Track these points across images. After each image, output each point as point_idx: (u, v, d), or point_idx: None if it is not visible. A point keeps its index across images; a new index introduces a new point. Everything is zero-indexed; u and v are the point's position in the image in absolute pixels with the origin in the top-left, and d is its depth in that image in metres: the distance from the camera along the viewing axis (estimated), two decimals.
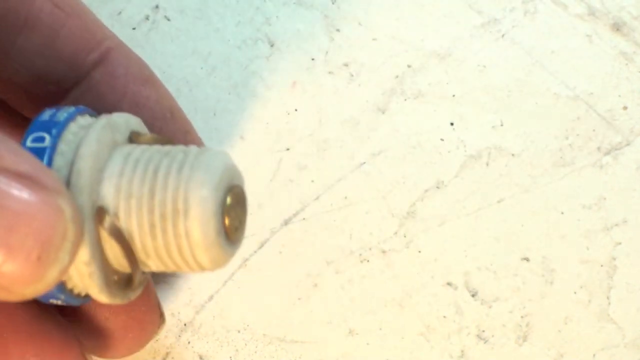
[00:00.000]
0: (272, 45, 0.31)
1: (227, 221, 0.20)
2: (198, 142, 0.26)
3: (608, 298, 0.28)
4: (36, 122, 0.21)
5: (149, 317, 0.25)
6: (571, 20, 0.30)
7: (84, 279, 0.20)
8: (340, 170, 0.29)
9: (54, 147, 0.20)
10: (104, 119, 0.21)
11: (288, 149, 0.29)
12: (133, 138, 0.22)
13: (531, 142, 0.29)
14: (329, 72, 0.30)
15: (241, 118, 0.29)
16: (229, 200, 0.20)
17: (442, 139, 0.30)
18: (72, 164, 0.20)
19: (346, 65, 0.31)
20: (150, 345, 0.28)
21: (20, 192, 0.18)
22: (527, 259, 0.28)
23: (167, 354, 0.28)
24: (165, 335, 0.28)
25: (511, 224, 0.29)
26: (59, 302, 0.22)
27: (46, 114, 0.21)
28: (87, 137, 0.20)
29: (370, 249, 0.29)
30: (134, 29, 0.31)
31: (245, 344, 0.28)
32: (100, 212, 0.20)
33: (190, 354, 0.28)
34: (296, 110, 0.30)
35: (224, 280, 0.28)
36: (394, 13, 0.31)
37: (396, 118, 0.30)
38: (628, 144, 0.29)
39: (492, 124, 0.30)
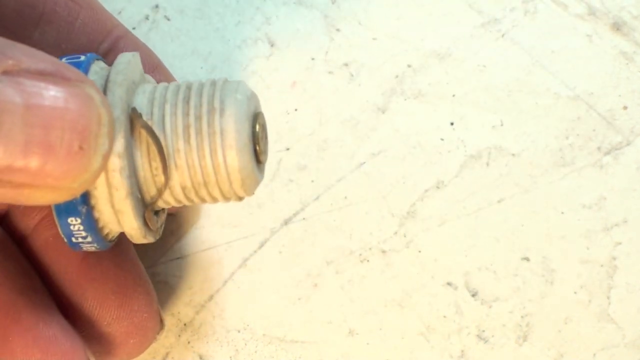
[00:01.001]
0: (272, 45, 0.31)
1: (257, 147, 0.21)
2: None
3: (608, 298, 0.28)
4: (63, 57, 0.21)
5: (150, 323, 0.25)
6: (571, 20, 0.30)
7: (119, 202, 0.20)
8: (340, 170, 0.29)
9: (89, 61, 0.21)
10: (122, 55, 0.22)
11: (288, 149, 0.29)
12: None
13: (531, 142, 0.29)
14: (329, 72, 0.30)
15: None
16: (257, 127, 0.21)
17: (442, 139, 0.30)
18: (106, 79, 0.21)
19: (346, 65, 0.31)
20: (150, 344, 0.28)
21: (46, 89, 0.17)
22: (527, 259, 0.28)
23: (167, 353, 0.28)
24: (165, 335, 0.28)
25: (511, 224, 0.29)
26: (88, 247, 0.22)
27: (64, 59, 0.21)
28: (120, 57, 0.21)
29: (370, 249, 0.29)
30: (134, 28, 0.31)
31: (245, 344, 0.28)
32: (134, 113, 0.20)
33: (190, 354, 0.28)
34: (296, 110, 0.30)
35: (223, 280, 0.28)
36: (394, 13, 0.31)
37: (396, 118, 0.30)
38: (628, 144, 0.29)
39: (492, 124, 0.30)
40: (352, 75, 0.30)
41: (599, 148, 0.29)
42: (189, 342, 0.28)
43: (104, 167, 0.18)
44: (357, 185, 0.29)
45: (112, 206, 0.21)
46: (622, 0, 0.30)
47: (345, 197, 0.29)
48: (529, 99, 0.30)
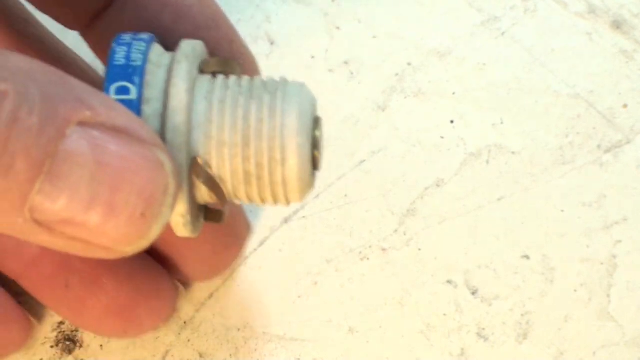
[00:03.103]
0: (272, 43, 0.31)
1: (316, 154, 0.21)
2: (244, 51, 0.25)
3: (608, 296, 0.28)
4: (113, 67, 0.20)
5: (242, 228, 0.26)
6: (571, 18, 0.30)
7: (178, 227, 0.20)
8: (340, 168, 0.29)
9: (140, 97, 0.20)
10: (181, 57, 0.20)
11: None
12: (203, 68, 0.21)
13: (531, 140, 0.29)
14: (329, 70, 0.30)
15: None
16: (316, 133, 0.21)
17: (442, 137, 0.30)
18: (164, 117, 0.20)
19: (346, 63, 0.31)
20: (150, 343, 0.28)
21: (119, 149, 0.17)
22: (527, 257, 0.28)
23: (167, 352, 0.28)
24: (165, 333, 0.28)
25: (511, 222, 0.29)
26: None
27: (119, 56, 0.20)
28: (175, 87, 0.20)
29: (370, 247, 0.29)
30: None
31: (245, 342, 0.28)
32: (195, 164, 0.20)
33: (190, 352, 0.28)
34: None
35: (224, 278, 0.28)
36: (394, 11, 0.31)
37: (396, 116, 0.30)
38: (628, 142, 0.29)
39: (492, 122, 0.30)
40: (352, 74, 0.30)
41: (599, 146, 0.29)
42: (189, 340, 0.28)
43: (160, 234, 0.18)
44: (357, 184, 0.29)
45: (173, 227, 0.21)
46: None
47: (346, 195, 0.29)
48: (529, 97, 0.30)
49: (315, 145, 0.21)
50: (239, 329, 0.28)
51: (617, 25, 0.30)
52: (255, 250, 0.29)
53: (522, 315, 0.28)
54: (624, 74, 0.29)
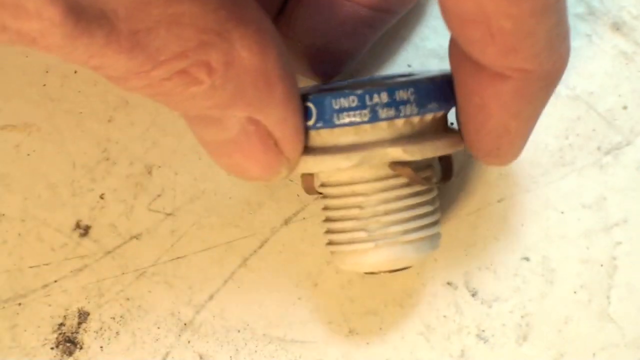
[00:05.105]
0: None
1: None
2: None
3: (608, 298, 0.28)
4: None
5: None
6: (571, 19, 0.30)
7: None
8: None
9: None
10: None
11: None
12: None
13: (531, 142, 0.29)
14: None
15: None
16: None
17: None
18: None
19: None
20: (150, 345, 0.28)
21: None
22: (527, 259, 0.28)
23: (167, 353, 0.28)
24: (165, 335, 0.28)
25: (511, 223, 0.29)
26: None
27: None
28: None
29: None
30: None
31: (245, 344, 0.28)
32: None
33: (190, 354, 0.28)
34: None
35: (224, 280, 0.28)
36: None
37: None
38: (628, 144, 0.29)
39: None
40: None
41: (598, 148, 0.29)
42: (189, 342, 0.28)
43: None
44: None
45: None
46: (622, 0, 0.30)
47: None
48: None
49: None
50: (239, 331, 0.28)
51: (617, 27, 0.30)
52: (255, 251, 0.29)
53: (522, 316, 0.28)
54: (624, 75, 0.29)
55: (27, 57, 0.29)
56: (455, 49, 0.22)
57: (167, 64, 0.19)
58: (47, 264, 0.28)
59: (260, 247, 0.29)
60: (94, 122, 0.29)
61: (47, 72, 0.29)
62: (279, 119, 0.22)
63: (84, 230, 0.29)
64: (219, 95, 0.20)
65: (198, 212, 0.29)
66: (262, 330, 0.28)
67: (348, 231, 0.25)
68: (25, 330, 0.28)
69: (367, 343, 0.28)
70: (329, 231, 0.25)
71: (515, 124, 0.23)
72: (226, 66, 0.20)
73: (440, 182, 0.26)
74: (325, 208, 0.25)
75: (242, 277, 0.28)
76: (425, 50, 0.30)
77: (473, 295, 0.28)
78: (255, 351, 0.28)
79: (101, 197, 0.29)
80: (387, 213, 0.24)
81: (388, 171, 0.24)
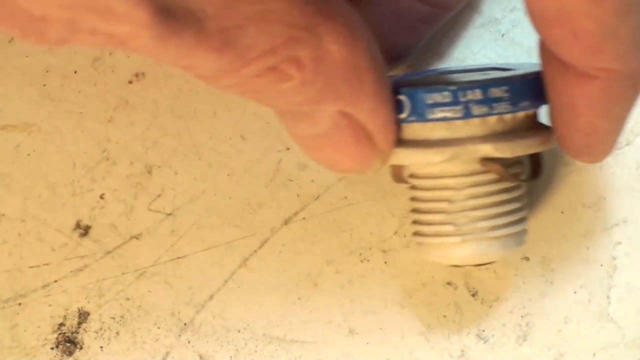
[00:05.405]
0: None
1: None
2: None
3: (608, 298, 0.28)
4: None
5: None
6: None
7: None
8: None
9: None
10: None
11: (288, 149, 0.29)
12: None
13: None
14: None
15: (242, 117, 0.29)
16: None
17: None
18: None
19: None
20: (150, 345, 0.28)
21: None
22: (527, 259, 0.28)
23: (167, 353, 0.28)
24: (165, 335, 0.28)
25: None
26: None
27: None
28: None
29: (370, 248, 0.29)
30: None
31: (246, 344, 0.28)
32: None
33: (190, 354, 0.28)
34: None
35: (224, 280, 0.28)
36: None
37: None
38: (628, 144, 0.29)
39: None
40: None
41: None
42: (189, 342, 0.28)
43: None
44: (358, 185, 0.29)
45: None
46: None
47: (345, 197, 0.29)
48: None
49: None
50: (239, 331, 0.28)
51: None
52: (255, 251, 0.29)
53: (522, 316, 0.28)
54: None
55: (27, 57, 0.29)
56: (544, 48, 0.22)
57: (257, 61, 0.19)
58: (47, 264, 0.28)
59: (260, 247, 0.29)
60: (94, 122, 0.29)
61: (47, 72, 0.29)
62: (371, 111, 0.22)
63: (84, 230, 0.29)
64: (310, 90, 0.20)
65: (198, 212, 0.29)
66: (262, 330, 0.28)
67: (436, 224, 0.25)
68: (25, 330, 0.28)
69: (367, 343, 0.28)
70: (416, 222, 0.26)
71: (604, 123, 0.23)
72: (316, 61, 0.20)
73: (529, 179, 0.26)
74: (414, 199, 0.26)
75: (242, 277, 0.28)
76: (424, 51, 0.30)
77: (473, 295, 0.28)
78: (255, 351, 0.28)
79: (101, 197, 0.29)
80: (475, 208, 0.24)
81: (478, 167, 0.24)
